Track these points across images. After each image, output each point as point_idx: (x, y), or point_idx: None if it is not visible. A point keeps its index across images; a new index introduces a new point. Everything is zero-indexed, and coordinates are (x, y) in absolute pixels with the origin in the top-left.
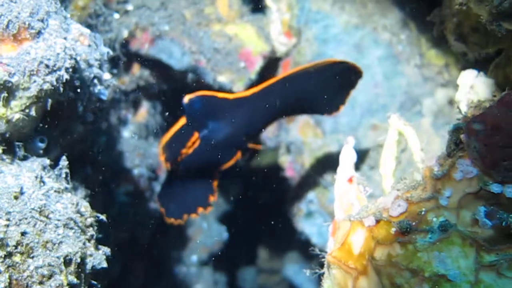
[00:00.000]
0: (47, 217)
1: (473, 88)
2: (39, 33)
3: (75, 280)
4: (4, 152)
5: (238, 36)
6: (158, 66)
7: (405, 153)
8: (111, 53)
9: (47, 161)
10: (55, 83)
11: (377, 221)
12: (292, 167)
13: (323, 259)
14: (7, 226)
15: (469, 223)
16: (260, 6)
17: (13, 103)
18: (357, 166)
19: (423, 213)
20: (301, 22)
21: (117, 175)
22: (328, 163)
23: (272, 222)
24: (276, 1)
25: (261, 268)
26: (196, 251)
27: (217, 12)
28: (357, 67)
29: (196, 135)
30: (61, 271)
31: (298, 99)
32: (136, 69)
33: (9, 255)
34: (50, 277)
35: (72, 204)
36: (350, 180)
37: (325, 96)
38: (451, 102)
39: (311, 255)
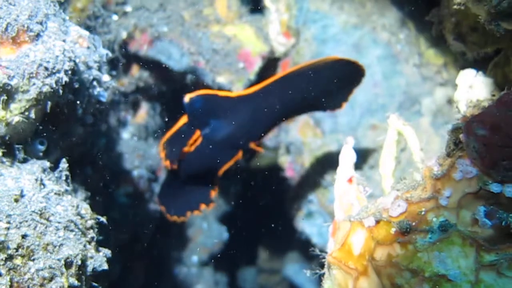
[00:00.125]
0: (47, 219)
1: (472, 87)
2: (38, 35)
3: (76, 283)
4: (4, 155)
5: (237, 36)
6: (157, 67)
7: (404, 153)
8: (110, 54)
9: (47, 164)
10: (54, 85)
11: (377, 222)
12: (292, 167)
13: (323, 260)
14: (8, 229)
15: (469, 223)
16: (258, 6)
17: (13, 106)
18: (357, 166)
19: (423, 213)
20: (299, 22)
21: (117, 176)
22: (327, 163)
23: (272, 225)
24: (275, 2)
25: (261, 268)
26: (196, 251)
27: (215, 13)
28: (359, 65)
29: (197, 133)
30: (62, 274)
31: (301, 96)
32: (135, 70)
33: (10, 258)
34: (51, 279)
35: (72, 207)
36: (350, 180)
37: (329, 92)
38: (450, 101)
39: (311, 255)
